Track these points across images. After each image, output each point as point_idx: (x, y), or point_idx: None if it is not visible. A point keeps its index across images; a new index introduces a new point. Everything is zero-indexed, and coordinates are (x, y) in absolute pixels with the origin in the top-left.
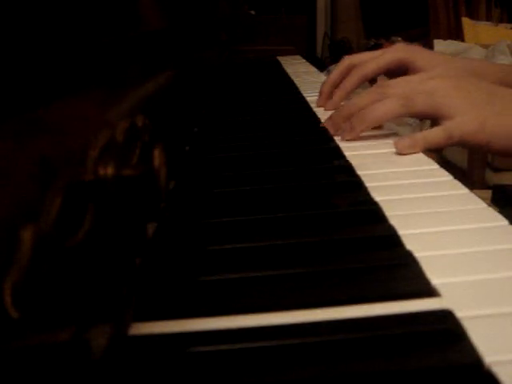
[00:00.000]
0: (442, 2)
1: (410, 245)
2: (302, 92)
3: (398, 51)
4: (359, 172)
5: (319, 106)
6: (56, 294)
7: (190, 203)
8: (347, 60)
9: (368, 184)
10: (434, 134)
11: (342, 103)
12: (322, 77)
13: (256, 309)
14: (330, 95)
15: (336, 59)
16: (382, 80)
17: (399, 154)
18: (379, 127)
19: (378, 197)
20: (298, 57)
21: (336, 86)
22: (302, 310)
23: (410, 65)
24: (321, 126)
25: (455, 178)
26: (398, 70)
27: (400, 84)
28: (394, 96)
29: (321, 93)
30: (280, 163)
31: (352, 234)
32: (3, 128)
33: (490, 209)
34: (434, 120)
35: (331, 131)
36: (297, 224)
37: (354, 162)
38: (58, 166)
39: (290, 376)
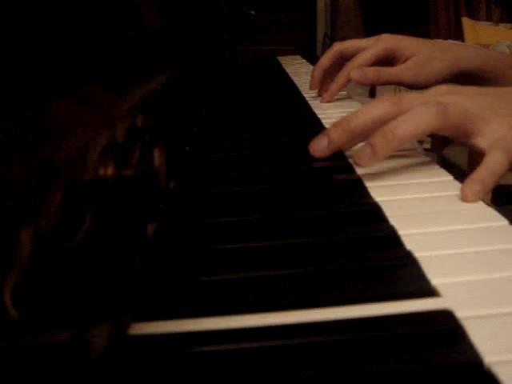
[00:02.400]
0: (442, 2)
1: (409, 245)
2: (302, 92)
3: (384, 41)
4: (359, 172)
5: (312, 89)
6: (56, 294)
7: (190, 203)
8: (337, 46)
9: (368, 184)
10: (500, 164)
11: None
12: None
13: (256, 309)
14: (321, 80)
15: None
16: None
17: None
18: None
19: (377, 197)
20: (298, 57)
21: (325, 70)
22: (301, 310)
23: (397, 52)
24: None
25: (455, 178)
26: (385, 60)
27: (417, 96)
28: (424, 106)
29: (312, 76)
30: (280, 163)
31: (352, 234)
32: (3, 128)
33: (490, 209)
34: (462, 137)
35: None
36: (297, 224)
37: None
38: (58, 166)
39: (290, 376)
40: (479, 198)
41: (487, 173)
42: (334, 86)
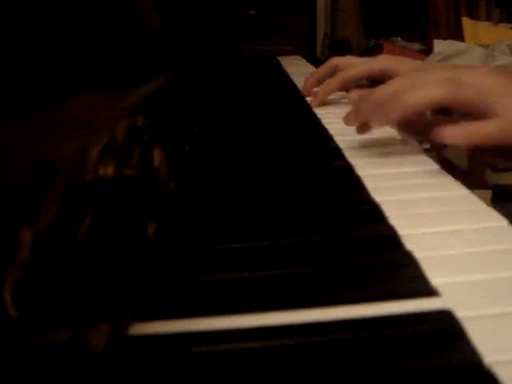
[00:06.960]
0: (442, 2)
1: (409, 245)
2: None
3: (382, 61)
4: (359, 172)
5: (303, 93)
6: (56, 293)
7: (190, 203)
8: (334, 60)
9: (368, 184)
10: (488, 131)
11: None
12: None
13: (256, 309)
14: (314, 88)
15: None
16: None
17: (442, 141)
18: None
19: (378, 197)
20: (298, 57)
21: (319, 80)
22: (301, 310)
23: (393, 74)
24: (344, 118)
25: (455, 178)
26: (380, 79)
27: (441, 70)
28: (438, 79)
29: (305, 82)
30: (280, 163)
31: (352, 234)
32: (3, 128)
33: (490, 209)
34: (475, 112)
35: (355, 120)
36: (297, 224)
37: (354, 162)
38: (58, 166)
39: (290, 376)
40: (456, 142)
41: (474, 128)
42: (321, 93)
